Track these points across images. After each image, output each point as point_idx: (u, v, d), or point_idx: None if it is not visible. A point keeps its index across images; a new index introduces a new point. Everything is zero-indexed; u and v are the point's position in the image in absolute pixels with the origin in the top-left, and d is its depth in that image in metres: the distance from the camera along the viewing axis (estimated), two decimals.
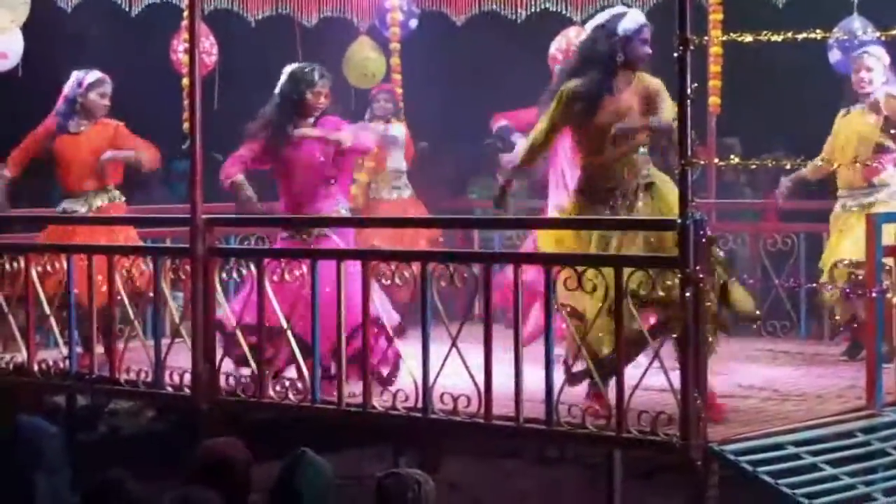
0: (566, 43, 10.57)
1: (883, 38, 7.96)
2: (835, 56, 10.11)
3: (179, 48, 10.83)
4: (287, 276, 7.52)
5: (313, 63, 8.25)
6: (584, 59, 7.16)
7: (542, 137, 7.19)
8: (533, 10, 11.02)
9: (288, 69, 8.17)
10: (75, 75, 9.00)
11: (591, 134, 7.08)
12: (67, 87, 8.98)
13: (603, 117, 7.01)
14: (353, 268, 7.34)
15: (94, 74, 8.99)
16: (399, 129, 10.59)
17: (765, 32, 6.40)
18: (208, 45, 10.58)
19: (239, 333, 7.58)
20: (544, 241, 7.27)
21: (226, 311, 7.71)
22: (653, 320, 6.79)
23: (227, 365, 7.72)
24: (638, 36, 7.06)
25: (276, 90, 8.12)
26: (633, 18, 7.11)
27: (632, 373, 6.55)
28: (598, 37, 7.12)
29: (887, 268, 7.28)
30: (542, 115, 7.29)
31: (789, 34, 6.39)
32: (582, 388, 6.95)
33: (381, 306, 7.51)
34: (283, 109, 8.06)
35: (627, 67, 7.06)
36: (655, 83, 7.03)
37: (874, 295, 7.01)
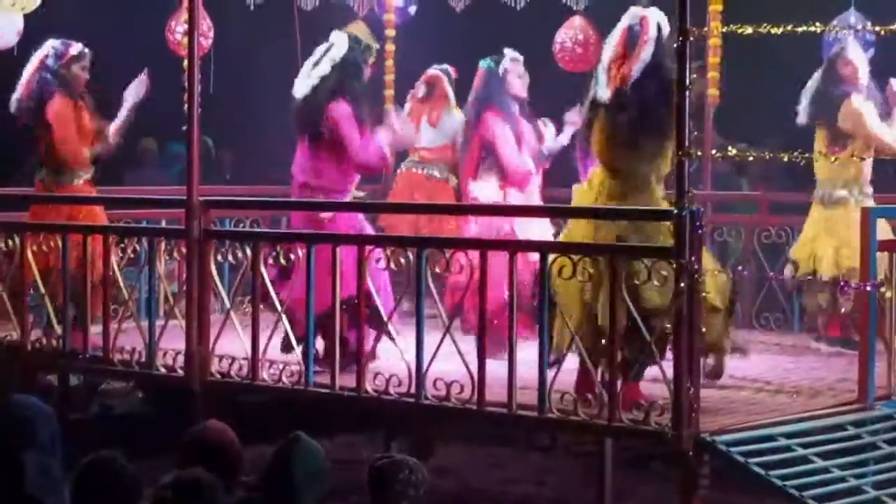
0: (582, 35, 10.52)
1: (883, 33, 7.97)
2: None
3: (177, 29, 10.82)
4: (282, 260, 7.54)
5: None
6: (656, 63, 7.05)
7: None
8: None
9: (342, 36, 8.09)
10: (52, 46, 8.80)
11: None
12: (45, 58, 8.76)
13: None
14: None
15: (76, 47, 8.81)
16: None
17: (764, 24, 6.39)
18: (205, 28, 10.57)
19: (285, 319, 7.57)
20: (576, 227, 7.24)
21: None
22: None
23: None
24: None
25: (334, 56, 8.02)
26: (659, 17, 7.10)
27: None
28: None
29: None
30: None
31: (788, 27, 6.39)
32: (574, 375, 6.96)
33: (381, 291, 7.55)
34: (351, 75, 8.02)
35: None
36: None
37: (868, 289, 7.03)
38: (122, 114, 8.85)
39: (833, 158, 8.33)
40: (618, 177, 7.02)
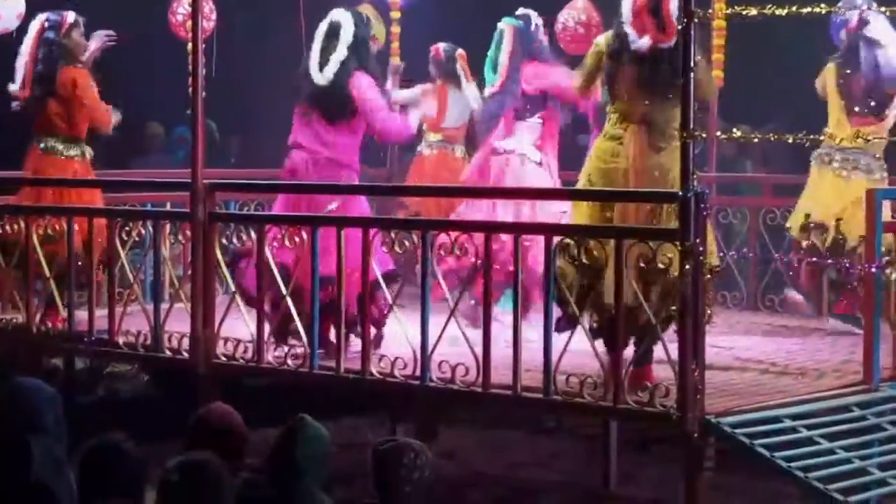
0: (584, 16, 10.49)
1: (888, 14, 7.96)
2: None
3: (178, 10, 10.80)
4: (287, 243, 7.53)
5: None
6: None
7: None
8: None
9: (345, 14, 8.04)
10: (45, 19, 8.79)
11: None
12: (42, 31, 8.74)
13: None
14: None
15: (70, 14, 8.81)
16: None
17: (769, 6, 6.38)
18: (207, 10, 10.53)
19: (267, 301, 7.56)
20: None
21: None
22: None
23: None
24: None
25: (348, 39, 7.95)
26: None
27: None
28: None
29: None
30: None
31: (793, 8, 6.37)
32: (579, 357, 6.96)
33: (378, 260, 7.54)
34: (364, 50, 8.01)
35: None
36: None
37: (873, 270, 7.02)
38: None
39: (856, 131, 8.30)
40: (653, 130, 7.03)
